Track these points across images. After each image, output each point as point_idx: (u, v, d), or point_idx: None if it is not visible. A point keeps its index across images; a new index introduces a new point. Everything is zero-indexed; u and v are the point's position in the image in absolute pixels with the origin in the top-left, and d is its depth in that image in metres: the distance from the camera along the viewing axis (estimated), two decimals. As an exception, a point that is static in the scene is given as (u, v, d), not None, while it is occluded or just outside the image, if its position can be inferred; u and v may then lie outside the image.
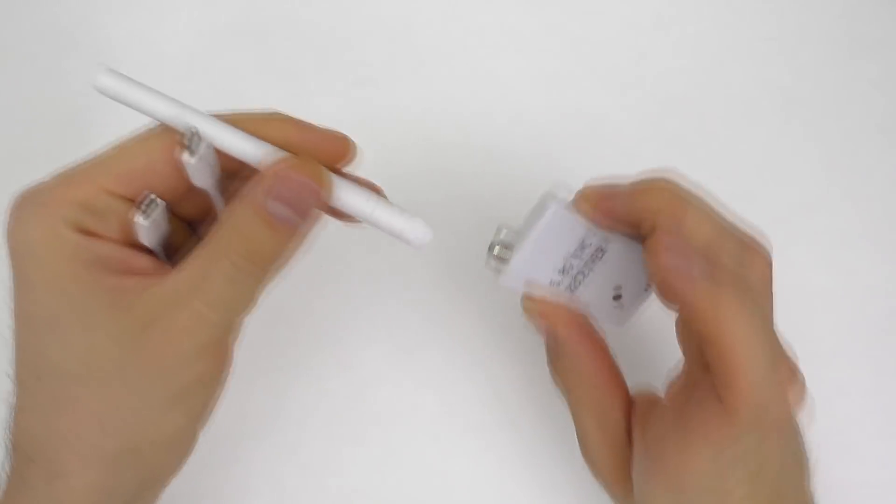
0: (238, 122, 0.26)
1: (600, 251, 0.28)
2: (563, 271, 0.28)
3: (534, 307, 0.29)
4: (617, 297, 0.29)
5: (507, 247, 0.28)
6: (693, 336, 0.27)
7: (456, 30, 0.45)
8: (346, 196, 0.25)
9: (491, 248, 0.28)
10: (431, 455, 0.37)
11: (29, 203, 0.24)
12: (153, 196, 0.25)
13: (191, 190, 0.26)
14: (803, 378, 0.26)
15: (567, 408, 0.30)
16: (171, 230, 0.27)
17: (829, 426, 0.32)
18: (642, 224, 0.26)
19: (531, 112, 0.43)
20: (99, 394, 0.24)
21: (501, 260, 0.28)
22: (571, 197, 0.27)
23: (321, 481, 0.36)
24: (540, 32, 0.45)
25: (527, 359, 0.37)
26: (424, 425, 0.37)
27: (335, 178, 0.25)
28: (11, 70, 0.43)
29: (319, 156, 0.26)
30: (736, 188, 0.42)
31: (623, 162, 0.42)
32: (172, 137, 0.24)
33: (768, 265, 0.27)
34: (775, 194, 0.42)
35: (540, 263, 0.28)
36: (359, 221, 0.26)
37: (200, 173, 0.25)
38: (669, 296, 0.25)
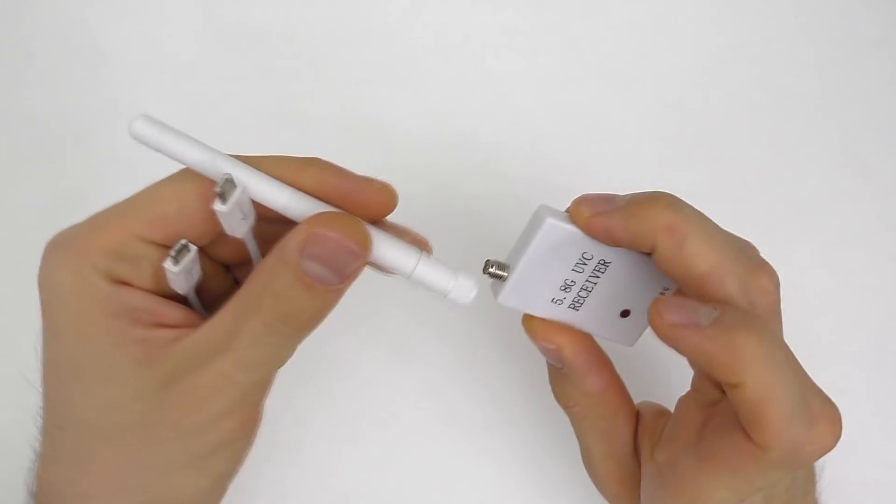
0: (273, 166, 0.24)
1: (603, 264, 0.26)
2: (564, 288, 0.26)
3: (536, 329, 0.27)
4: (625, 314, 0.28)
5: (502, 267, 0.26)
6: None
7: (455, 30, 0.45)
8: (386, 253, 0.24)
9: (485, 267, 0.26)
10: (431, 455, 0.37)
11: (60, 249, 0.23)
12: (185, 242, 0.23)
13: (226, 234, 0.24)
14: (835, 409, 0.24)
15: (567, 419, 0.30)
16: (205, 275, 0.26)
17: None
18: (641, 245, 0.25)
19: (531, 112, 0.43)
20: (119, 451, 0.23)
21: (498, 278, 0.26)
22: (565, 211, 0.26)
23: (321, 481, 0.36)
24: (540, 32, 0.45)
25: (526, 359, 0.37)
26: (424, 425, 0.37)
27: (374, 233, 0.24)
28: (11, 70, 0.43)
29: (358, 206, 0.24)
30: (736, 188, 0.42)
31: (623, 162, 0.42)
32: (205, 180, 0.23)
33: (776, 286, 0.26)
34: (775, 194, 0.42)
35: (539, 281, 0.26)
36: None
37: (233, 222, 0.23)
38: (682, 350, 0.24)
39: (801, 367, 0.24)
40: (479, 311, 0.38)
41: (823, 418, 0.23)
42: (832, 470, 0.35)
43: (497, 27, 0.45)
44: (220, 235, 0.24)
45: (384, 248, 0.24)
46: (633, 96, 0.44)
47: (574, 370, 0.27)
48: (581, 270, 0.26)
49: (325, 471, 0.36)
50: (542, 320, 0.27)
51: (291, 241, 0.22)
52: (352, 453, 0.37)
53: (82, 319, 0.23)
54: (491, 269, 0.26)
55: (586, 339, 0.28)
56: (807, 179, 0.42)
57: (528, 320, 0.27)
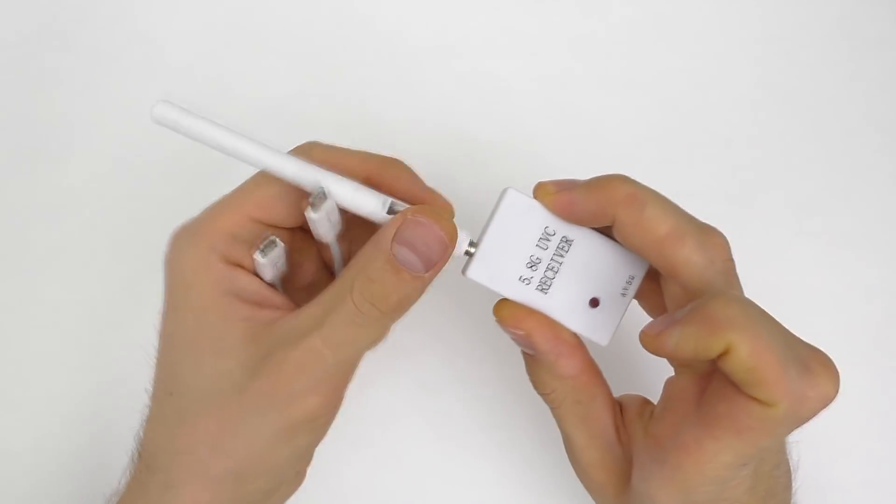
0: (354, 160, 0.28)
1: (566, 241, 0.27)
2: (531, 266, 0.27)
3: (505, 315, 0.28)
4: (594, 304, 0.28)
5: (472, 244, 0.27)
6: None
7: (455, 30, 0.45)
8: (363, 197, 0.26)
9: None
10: (430, 455, 0.37)
11: (185, 234, 0.27)
12: (273, 237, 0.26)
13: None
14: (827, 357, 0.24)
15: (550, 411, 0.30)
16: (293, 269, 0.29)
17: (829, 426, 0.32)
18: (602, 216, 0.26)
19: (531, 112, 0.43)
20: (217, 415, 0.25)
21: (469, 255, 0.27)
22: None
23: (321, 481, 0.36)
24: (540, 32, 0.45)
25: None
26: (423, 426, 0.37)
27: (349, 181, 0.26)
28: (11, 70, 0.43)
29: None
30: (736, 188, 0.42)
31: (622, 162, 0.42)
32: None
33: (727, 243, 0.27)
34: (775, 194, 0.42)
35: (505, 255, 0.27)
36: None
37: (322, 228, 0.26)
38: (672, 348, 0.24)
39: (777, 321, 0.24)
40: (478, 311, 0.38)
41: (819, 366, 0.23)
42: (833, 470, 0.35)
43: (497, 27, 0.45)
44: None
45: (380, 207, 0.26)
46: (633, 96, 0.44)
47: (545, 354, 0.28)
48: (545, 247, 0.27)
49: (325, 471, 0.36)
50: (512, 306, 0.28)
51: (387, 228, 0.25)
52: (352, 453, 0.37)
53: (200, 296, 0.26)
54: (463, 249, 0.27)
55: (555, 324, 0.28)
56: (807, 179, 0.42)
57: (499, 307, 0.28)
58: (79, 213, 0.40)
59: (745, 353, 0.22)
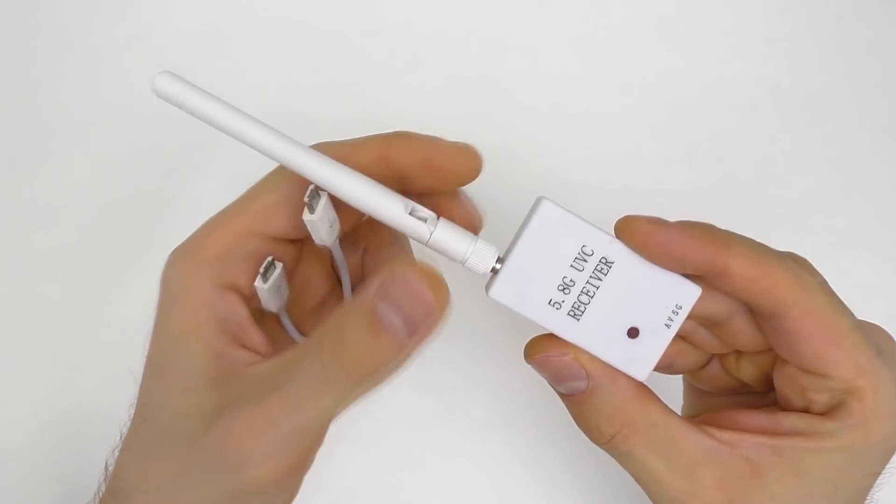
0: (358, 147, 0.24)
1: (605, 263, 0.24)
2: (563, 289, 0.24)
3: (545, 345, 0.24)
4: (633, 334, 0.24)
5: (498, 260, 0.24)
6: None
7: (456, 30, 0.45)
8: (404, 217, 0.23)
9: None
10: (431, 455, 0.37)
11: (179, 253, 0.25)
12: (271, 259, 0.24)
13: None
14: None
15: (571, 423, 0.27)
16: (301, 289, 0.27)
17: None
18: (709, 268, 0.24)
19: (531, 112, 0.43)
20: (171, 460, 0.23)
21: (493, 272, 0.24)
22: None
23: (321, 481, 0.36)
24: (540, 32, 0.45)
25: (527, 359, 0.37)
26: (424, 425, 0.37)
27: (390, 194, 0.23)
28: (11, 69, 0.43)
29: (442, 172, 0.25)
30: (736, 188, 0.42)
31: (623, 162, 0.42)
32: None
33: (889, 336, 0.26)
34: (775, 194, 0.42)
35: (535, 276, 0.24)
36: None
37: (322, 231, 0.24)
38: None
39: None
40: (480, 311, 0.38)
41: None
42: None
43: (497, 27, 0.45)
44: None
45: (401, 211, 0.23)
46: (634, 96, 0.44)
47: (599, 379, 0.24)
48: (581, 268, 0.24)
49: (325, 471, 0.36)
50: (548, 336, 0.25)
51: (373, 281, 0.21)
52: (352, 453, 0.37)
53: (179, 320, 0.24)
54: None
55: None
56: (807, 179, 0.42)
57: (532, 345, 0.25)
58: (79, 212, 0.40)
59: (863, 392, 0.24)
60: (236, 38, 0.44)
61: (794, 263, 0.24)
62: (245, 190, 0.25)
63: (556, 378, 0.25)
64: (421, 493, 0.36)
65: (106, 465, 0.26)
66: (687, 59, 0.45)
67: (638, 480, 0.25)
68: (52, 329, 0.39)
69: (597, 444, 0.26)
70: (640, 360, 0.25)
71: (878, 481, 0.25)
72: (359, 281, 0.28)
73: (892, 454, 0.25)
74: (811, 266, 0.25)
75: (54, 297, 0.39)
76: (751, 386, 0.28)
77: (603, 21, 0.45)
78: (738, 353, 0.28)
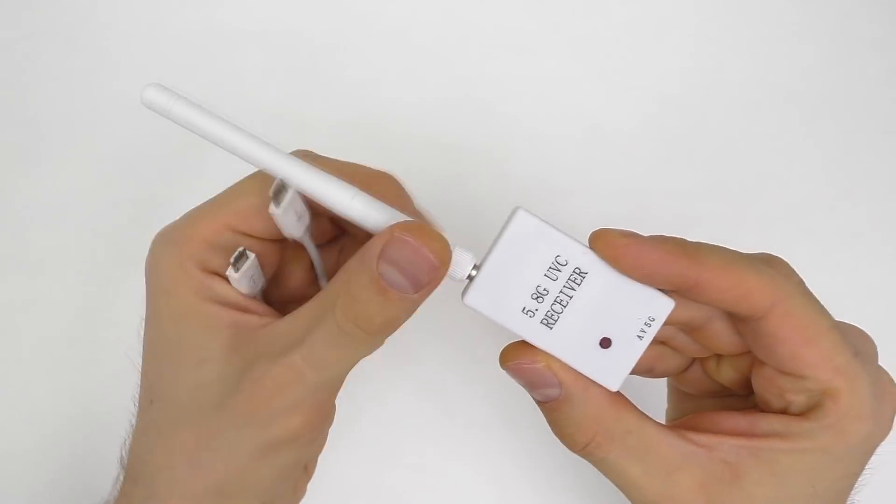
0: (341, 174, 0.25)
1: (578, 273, 0.24)
2: (537, 297, 0.24)
3: (517, 351, 0.25)
4: (605, 344, 0.25)
5: (474, 267, 0.24)
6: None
7: (455, 30, 0.45)
8: (375, 215, 0.24)
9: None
10: (430, 455, 0.37)
11: (164, 241, 0.25)
12: (243, 249, 0.25)
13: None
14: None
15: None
16: (288, 276, 0.27)
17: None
18: (682, 283, 0.24)
19: (531, 112, 0.43)
20: (194, 429, 0.24)
21: (470, 278, 0.24)
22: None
23: (321, 481, 0.36)
24: (540, 32, 0.45)
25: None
26: (423, 426, 0.37)
27: (356, 193, 0.24)
28: (10, 69, 0.43)
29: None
30: (736, 189, 0.42)
31: (623, 162, 0.42)
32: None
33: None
34: (775, 194, 0.42)
35: (509, 283, 0.24)
36: None
37: (289, 224, 0.24)
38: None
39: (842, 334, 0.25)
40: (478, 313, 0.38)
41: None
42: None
43: (497, 27, 0.45)
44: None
45: (373, 210, 0.24)
46: (633, 96, 0.44)
47: (572, 387, 0.25)
48: (555, 277, 0.24)
49: (325, 471, 0.36)
50: (521, 343, 0.25)
51: (373, 244, 0.22)
52: (352, 453, 0.37)
53: (180, 303, 0.24)
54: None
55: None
56: (807, 179, 0.42)
57: (507, 351, 0.25)
58: (79, 212, 0.40)
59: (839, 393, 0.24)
60: (234, 41, 0.44)
61: (768, 267, 0.24)
62: (226, 188, 0.26)
63: (530, 385, 0.25)
64: (420, 493, 0.36)
65: (121, 458, 0.27)
66: (687, 59, 0.45)
67: (617, 486, 0.26)
68: (52, 330, 0.39)
69: (572, 451, 0.26)
70: (611, 371, 0.25)
71: (858, 482, 0.26)
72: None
73: (871, 455, 0.25)
74: (787, 266, 0.25)
75: (53, 298, 0.39)
76: (732, 389, 0.28)
77: (603, 21, 0.45)
78: (719, 357, 0.28)
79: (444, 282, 0.23)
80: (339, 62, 0.44)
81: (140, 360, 0.26)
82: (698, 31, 0.45)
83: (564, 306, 0.24)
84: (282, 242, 0.27)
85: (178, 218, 0.26)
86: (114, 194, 0.41)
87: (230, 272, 0.25)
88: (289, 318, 0.24)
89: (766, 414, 0.25)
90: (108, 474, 0.28)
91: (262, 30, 0.44)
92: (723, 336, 0.26)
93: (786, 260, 0.26)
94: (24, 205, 0.40)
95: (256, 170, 0.25)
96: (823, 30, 0.45)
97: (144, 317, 0.26)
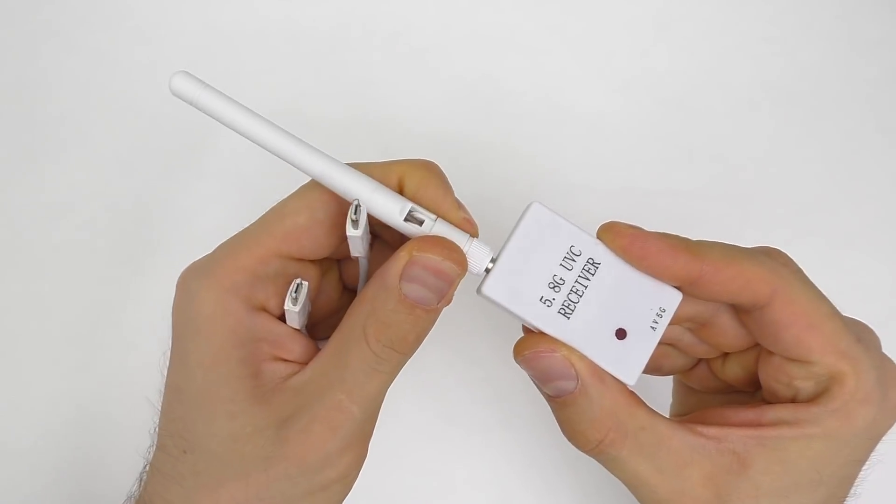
0: (385, 169, 0.25)
1: (592, 263, 0.25)
2: (553, 286, 0.24)
3: (535, 341, 0.24)
4: (621, 335, 0.25)
5: (492, 260, 0.25)
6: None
7: (456, 30, 0.45)
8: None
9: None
10: (431, 456, 0.37)
11: (200, 276, 0.24)
12: (300, 281, 0.24)
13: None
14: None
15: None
16: (314, 301, 0.27)
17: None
18: (687, 279, 0.24)
19: (531, 112, 0.43)
20: (244, 482, 0.23)
21: (487, 272, 0.25)
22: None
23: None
24: (540, 32, 0.45)
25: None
26: (424, 426, 0.37)
27: (387, 192, 0.24)
28: (11, 69, 0.43)
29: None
30: (736, 189, 0.42)
31: (623, 162, 0.42)
32: (327, 189, 0.24)
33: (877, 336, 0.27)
34: (775, 194, 0.42)
35: (526, 274, 0.24)
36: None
37: (362, 243, 0.24)
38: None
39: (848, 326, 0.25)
40: (479, 311, 0.38)
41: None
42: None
43: (497, 27, 0.45)
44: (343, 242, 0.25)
45: (379, 195, 0.24)
46: (633, 96, 0.44)
47: (589, 378, 0.24)
48: (570, 267, 0.25)
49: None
50: (538, 334, 0.25)
51: (392, 267, 0.23)
52: (352, 453, 0.37)
53: (212, 348, 0.24)
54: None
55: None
56: (807, 179, 0.42)
57: (522, 342, 0.25)
58: (79, 212, 0.40)
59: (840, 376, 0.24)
60: (236, 39, 0.44)
61: (767, 258, 0.25)
62: (266, 212, 0.25)
63: (544, 377, 0.25)
64: (420, 493, 0.36)
65: (138, 497, 0.26)
66: (687, 58, 0.45)
67: (627, 484, 0.25)
68: (52, 330, 0.39)
69: (582, 449, 0.25)
70: (628, 363, 0.25)
71: (862, 472, 0.26)
72: None
73: (876, 442, 0.25)
74: (785, 256, 0.26)
75: (54, 298, 0.39)
76: (738, 387, 0.28)
77: (603, 21, 0.45)
78: (725, 355, 0.28)
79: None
80: (341, 61, 0.44)
81: (160, 400, 0.25)
82: (698, 30, 0.45)
83: (580, 296, 0.25)
84: (321, 263, 0.27)
85: (211, 251, 0.25)
86: (114, 194, 0.41)
87: (289, 306, 0.24)
88: (316, 363, 0.24)
89: (773, 405, 0.25)
90: (107, 475, 0.27)
91: (264, 28, 0.44)
92: (728, 331, 0.26)
93: (784, 252, 0.26)
94: (24, 203, 0.40)
95: (301, 187, 0.25)
96: (823, 30, 0.45)
97: (170, 357, 0.25)
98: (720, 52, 0.45)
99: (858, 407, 0.24)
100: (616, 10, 0.46)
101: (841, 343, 0.24)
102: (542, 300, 0.25)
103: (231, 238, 0.25)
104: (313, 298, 0.27)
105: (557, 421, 0.26)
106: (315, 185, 0.25)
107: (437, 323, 0.38)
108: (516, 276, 0.25)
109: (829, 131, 0.43)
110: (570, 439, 0.26)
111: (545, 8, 0.46)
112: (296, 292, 0.24)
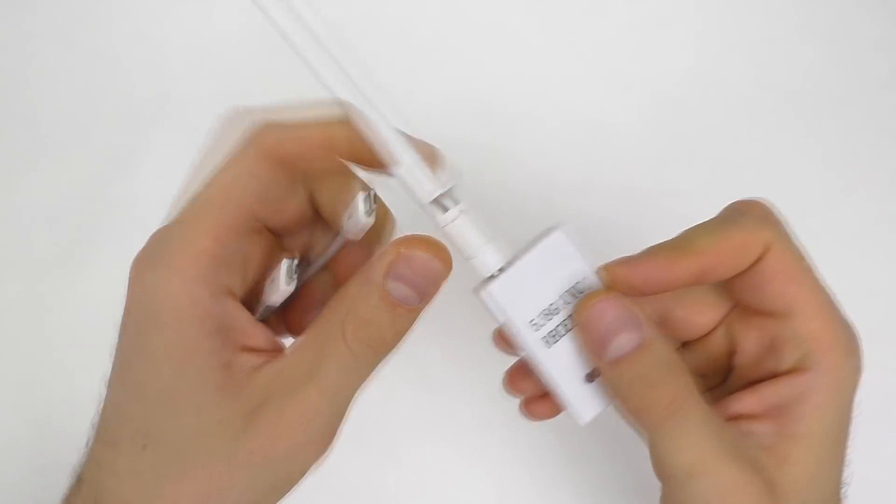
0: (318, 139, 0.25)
1: None
2: (547, 314, 0.25)
3: (603, 293, 0.24)
4: (590, 378, 0.25)
5: (501, 270, 0.25)
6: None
7: (456, 30, 0.45)
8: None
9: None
10: (430, 455, 0.37)
11: (153, 265, 0.23)
12: (295, 259, 0.24)
13: (286, 201, 0.25)
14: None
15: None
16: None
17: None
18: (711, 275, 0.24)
19: (531, 112, 0.43)
20: (207, 474, 0.23)
21: (492, 278, 0.25)
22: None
23: (321, 481, 0.36)
24: (540, 32, 0.45)
25: (527, 359, 0.37)
26: (423, 425, 0.37)
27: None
28: (11, 69, 0.43)
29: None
30: (736, 188, 0.42)
31: (623, 162, 0.42)
32: (266, 149, 0.24)
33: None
34: (775, 194, 0.42)
35: (529, 290, 0.25)
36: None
37: (361, 228, 0.24)
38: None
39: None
40: (479, 311, 0.38)
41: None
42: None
43: (497, 27, 0.45)
44: (282, 202, 0.25)
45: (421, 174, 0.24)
46: (634, 96, 0.44)
47: (651, 329, 0.24)
48: (568, 301, 0.25)
49: (324, 471, 0.36)
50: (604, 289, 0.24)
51: (378, 264, 0.23)
52: (352, 453, 0.37)
53: (182, 341, 0.23)
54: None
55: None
56: (807, 179, 0.42)
57: (591, 295, 0.24)
58: (79, 212, 0.40)
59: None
60: (233, 40, 0.44)
61: (748, 219, 0.26)
62: (213, 173, 0.24)
63: (609, 333, 0.23)
64: (420, 492, 0.36)
65: (92, 491, 0.25)
66: (687, 58, 0.45)
67: (675, 465, 0.23)
68: (52, 330, 0.39)
69: (646, 421, 0.24)
70: (587, 405, 0.25)
71: (846, 465, 0.26)
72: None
73: (856, 387, 0.26)
74: (762, 208, 0.27)
75: (54, 298, 0.39)
76: (701, 378, 0.28)
77: (603, 21, 0.45)
78: (684, 345, 0.28)
79: (449, 281, 0.23)
80: (340, 62, 0.44)
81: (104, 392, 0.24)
82: (698, 31, 0.45)
83: (568, 330, 0.25)
84: (262, 238, 0.26)
85: (154, 236, 0.24)
86: (113, 194, 0.41)
87: (284, 286, 0.24)
88: (291, 355, 0.24)
89: (766, 383, 0.25)
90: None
91: (262, 28, 0.44)
92: (687, 319, 0.27)
93: (761, 201, 0.27)
94: (24, 203, 0.40)
95: (231, 156, 0.24)
96: (823, 30, 0.45)
97: (123, 352, 0.24)
98: (720, 52, 0.45)
99: (844, 358, 0.25)
100: (616, 10, 0.46)
101: (820, 295, 0.25)
102: (532, 323, 0.25)
103: (175, 221, 0.24)
104: (258, 279, 0.26)
105: (618, 392, 0.24)
106: (247, 150, 0.24)
107: (436, 323, 0.38)
108: (518, 291, 0.25)
109: (829, 131, 0.43)
110: (637, 412, 0.24)
111: (545, 8, 0.46)
112: (297, 268, 0.24)
